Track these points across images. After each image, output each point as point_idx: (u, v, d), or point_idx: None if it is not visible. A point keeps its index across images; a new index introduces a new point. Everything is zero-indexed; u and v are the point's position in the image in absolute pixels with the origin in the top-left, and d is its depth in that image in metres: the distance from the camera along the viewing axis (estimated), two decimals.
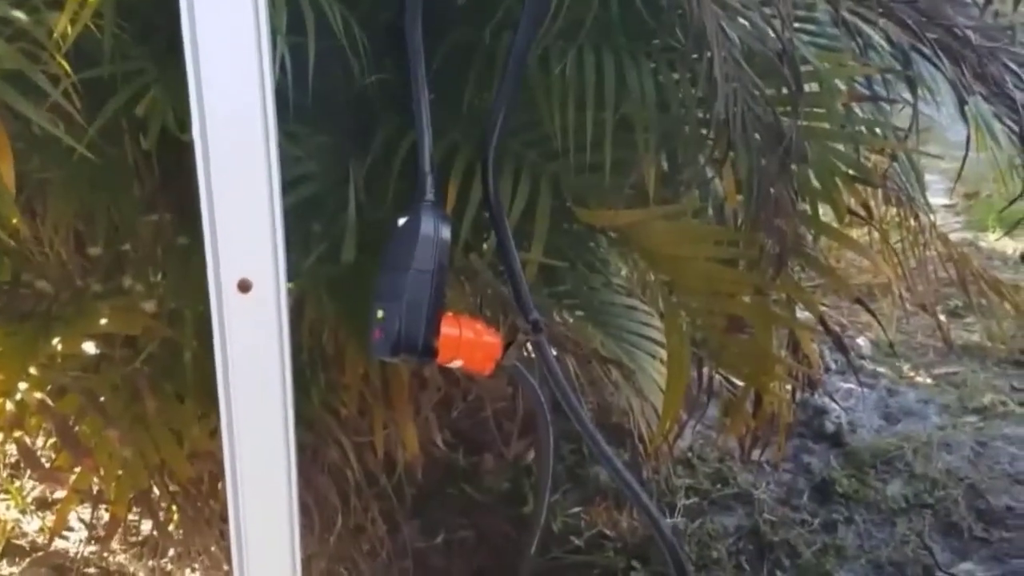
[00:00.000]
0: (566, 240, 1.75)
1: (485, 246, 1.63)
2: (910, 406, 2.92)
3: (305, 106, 1.29)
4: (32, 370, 1.64)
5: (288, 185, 1.29)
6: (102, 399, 1.62)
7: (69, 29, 1.16)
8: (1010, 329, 3.01)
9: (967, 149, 1.69)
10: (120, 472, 1.67)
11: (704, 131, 1.51)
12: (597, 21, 1.45)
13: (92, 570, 2.12)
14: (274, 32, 1.06)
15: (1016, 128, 1.71)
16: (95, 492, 1.80)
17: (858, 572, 2.23)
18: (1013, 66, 1.69)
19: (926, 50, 1.59)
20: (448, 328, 1.14)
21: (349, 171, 1.49)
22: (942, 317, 3.13)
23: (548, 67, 1.46)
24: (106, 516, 1.90)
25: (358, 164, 1.51)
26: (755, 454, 2.01)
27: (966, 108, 1.62)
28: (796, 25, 1.47)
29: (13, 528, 2.27)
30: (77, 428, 1.66)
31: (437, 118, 1.16)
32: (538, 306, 1.20)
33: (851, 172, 1.54)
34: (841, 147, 1.55)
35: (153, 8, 1.32)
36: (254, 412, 1.06)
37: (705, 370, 1.87)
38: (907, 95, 1.70)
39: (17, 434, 1.79)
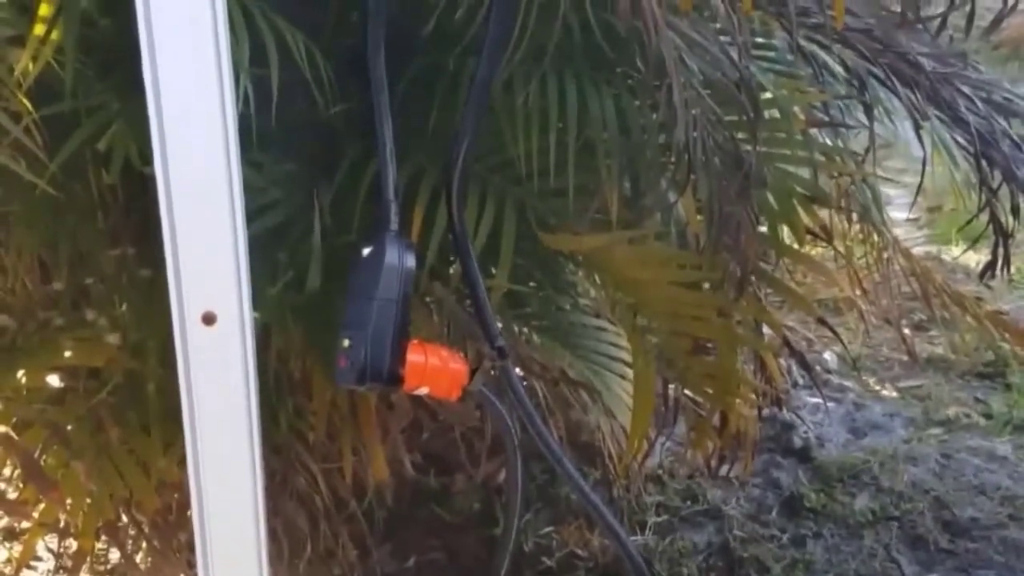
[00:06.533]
0: (533, 262, 1.77)
1: (451, 270, 1.64)
2: (876, 420, 2.94)
3: (270, 135, 1.29)
4: None
5: (253, 214, 1.30)
6: (68, 430, 1.60)
7: (31, 66, 1.15)
8: (973, 341, 3.05)
9: (923, 170, 1.73)
10: (87, 504, 1.65)
11: (666, 156, 1.52)
12: (559, 48, 1.47)
13: None
14: (236, 66, 1.07)
15: (971, 149, 1.75)
16: (62, 523, 1.78)
17: None
18: (966, 90, 1.73)
19: (880, 75, 1.62)
20: (414, 355, 1.14)
21: (314, 198, 1.50)
22: (906, 331, 3.17)
23: (512, 93, 1.48)
24: (74, 546, 1.88)
25: (324, 191, 1.52)
26: (722, 471, 2.03)
27: (922, 131, 1.65)
28: (754, 52, 1.49)
29: None
30: (43, 461, 1.64)
31: (402, 142, 1.17)
32: (504, 330, 1.21)
33: (808, 194, 1.57)
34: (799, 171, 1.58)
35: (115, 42, 1.32)
36: (221, 445, 1.06)
37: (672, 389, 1.88)
38: (864, 119, 1.73)
39: None
